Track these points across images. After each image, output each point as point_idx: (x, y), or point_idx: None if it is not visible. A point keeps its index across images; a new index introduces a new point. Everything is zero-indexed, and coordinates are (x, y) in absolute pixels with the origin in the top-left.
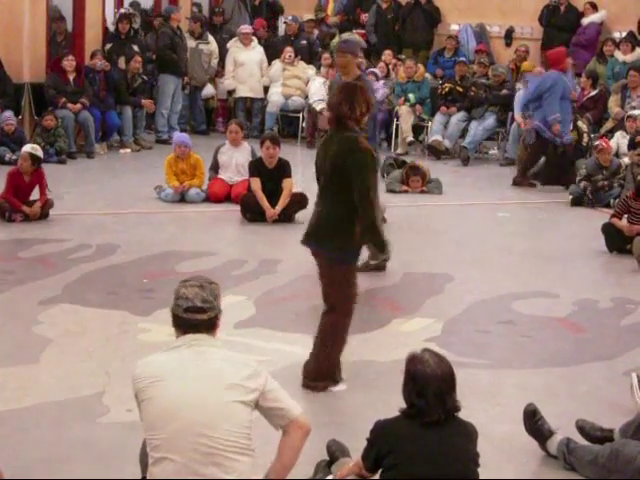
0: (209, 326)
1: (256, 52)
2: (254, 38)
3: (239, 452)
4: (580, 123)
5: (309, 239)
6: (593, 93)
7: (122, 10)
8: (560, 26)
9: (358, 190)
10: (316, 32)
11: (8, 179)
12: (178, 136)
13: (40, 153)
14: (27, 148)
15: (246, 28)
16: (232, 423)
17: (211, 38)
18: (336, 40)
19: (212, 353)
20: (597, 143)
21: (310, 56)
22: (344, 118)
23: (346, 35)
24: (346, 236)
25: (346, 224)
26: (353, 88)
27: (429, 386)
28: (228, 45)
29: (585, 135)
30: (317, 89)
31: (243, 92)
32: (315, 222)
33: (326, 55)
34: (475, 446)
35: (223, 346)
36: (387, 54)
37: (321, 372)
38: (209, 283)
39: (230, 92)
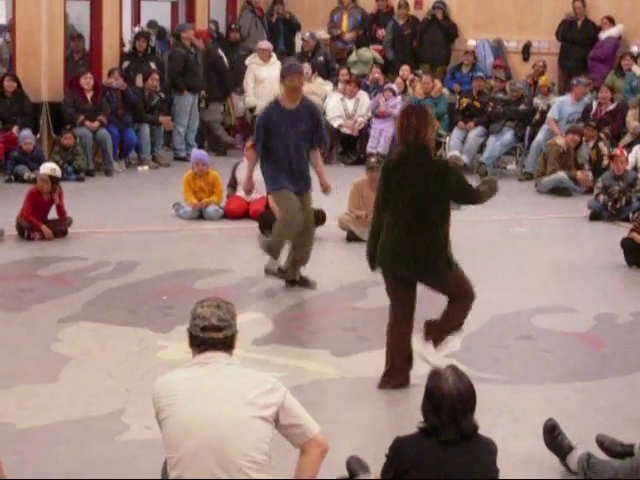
0: (226, 345)
1: (275, 68)
2: (273, 54)
3: (258, 469)
4: (601, 144)
5: (414, 268)
6: (611, 107)
7: (137, 29)
8: (577, 41)
9: (472, 200)
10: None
11: (28, 198)
12: (196, 153)
13: (59, 173)
14: (46, 170)
15: (265, 44)
16: (250, 440)
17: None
18: (353, 56)
19: (229, 371)
20: (613, 153)
21: (327, 72)
22: (422, 140)
23: (291, 59)
24: (446, 253)
25: (446, 243)
26: (425, 112)
27: (443, 405)
28: (247, 61)
29: (605, 158)
30: (334, 105)
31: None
32: (418, 249)
33: (344, 71)
34: (495, 462)
35: (240, 364)
36: (404, 69)
37: (442, 336)
38: (225, 303)
39: (251, 109)
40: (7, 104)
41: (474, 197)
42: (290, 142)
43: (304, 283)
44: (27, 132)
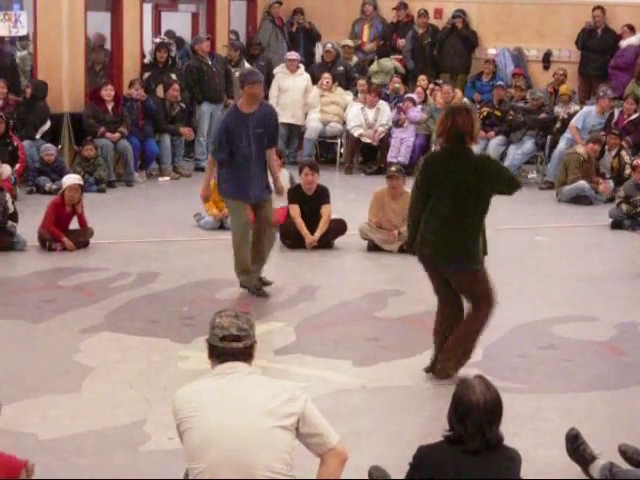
0: (245, 355)
1: (302, 79)
2: (301, 65)
3: (279, 479)
4: (623, 152)
5: (447, 256)
6: (634, 116)
7: (157, 39)
8: (597, 49)
9: (514, 186)
10: (355, 59)
11: (51, 209)
12: None
13: (82, 182)
14: (75, 180)
15: (292, 55)
16: (271, 449)
17: (247, 65)
18: (374, 66)
19: (249, 380)
20: (635, 163)
21: (347, 82)
22: (468, 137)
23: (249, 67)
24: (479, 249)
25: (479, 238)
26: (469, 111)
27: (470, 414)
28: (275, 71)
29: (627, 167)
30: (355, 115)
31: (284, 118)
32: (454, 238)
33: (362, 82)
34: (519, 472)
35: (260, 373)
36: (421, 79)
37: (461, 361)
38: (244, 313)
39: None
40: None
41: (515, 184)
42: (249, 146)
43: (261, 283)
44: (49, 144)
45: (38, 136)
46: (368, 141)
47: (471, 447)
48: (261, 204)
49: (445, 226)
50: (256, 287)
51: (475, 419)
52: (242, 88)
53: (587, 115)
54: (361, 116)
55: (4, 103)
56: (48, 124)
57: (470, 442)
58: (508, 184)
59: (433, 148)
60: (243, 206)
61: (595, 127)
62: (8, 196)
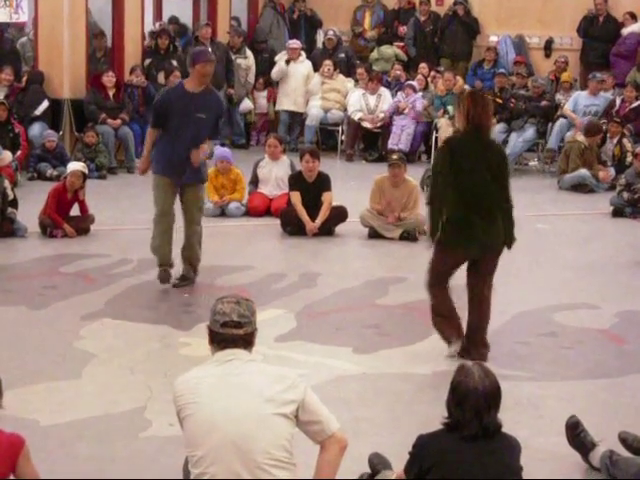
0: (246, 341)
1: (303, 66)
2: (302, 53)
3: (279, 466)
4: (625, 140)
5: (494, 243)
6: (635, 104)
7: (156, 27)
8: (599, 37)
9: (508, 184)
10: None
11: (53, 195)
12: (220, 151)
13: (86, 170)
14: (77, 166)
15: (294, 43)
16: (271, 436)
17: (249, 53)
18: (375, 54)
19: (249, 367)
20: (637, 150)
21: (348, 69)
22: (485, 125)
23: (201, 47)
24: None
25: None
26: (487, 99)
27: (467, 400)
28: (276, 58)
29: (629, 154)
30: (356, 100)
31: (286, 105)
32: (490, 226)
33: (360, 70)
34: (518, 460)
35: (261, 360)
36: (422, 67)
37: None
38: (245, 300)
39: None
40: None
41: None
42: (187, 127)
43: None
44: (50, 130)
45: (38, 113)
46: (368, 126)
47: (468, 433)
48: (186, 188)
49: (480, 214)
50: (165, 271)
51: (472, 404)
52: (192, 66)
53: (577, 97)
54: (362, 101)
55: (9, 90)
56: (46, 102)
57: (467, 428)
58: (508, 184)
59: (434, 135)
60: (167, 188)
61: (588, 108)
62: (7, 183)
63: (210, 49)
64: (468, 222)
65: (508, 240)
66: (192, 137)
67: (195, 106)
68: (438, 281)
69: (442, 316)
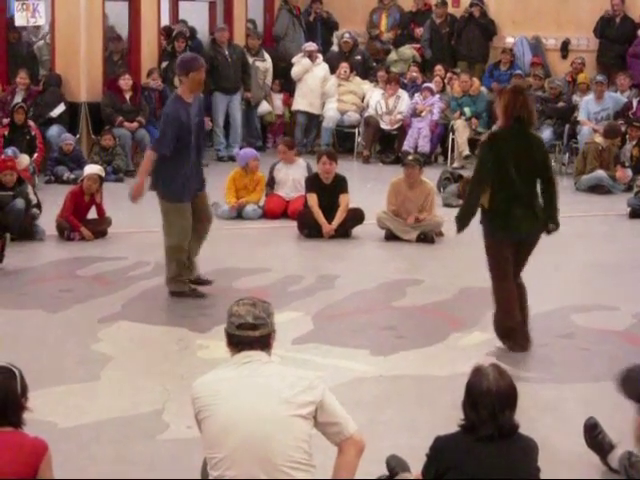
0: (262, 343)
1: (320, 68)
2: (319, 55)
3: (298, 468)
4: None
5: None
6: None
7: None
8: (616, 38)
9: (552, 176)
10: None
11: (70, 198)
12: (247, 151)
13: (103, 174)
14: (95, 170)
15: (311, 46)
16: (290, 438)
17: (267, 55)
18: (393, 55)
19: (267, 369)
20: None
21: (365, 71)
22: (527, 118)
23: (190, 53)
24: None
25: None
26: (528, 93)
27: (482, 401)
28: (293, 60)
29: None
30: (376, 100)
31: (302, 106)
32: (533, 213)
33: (381, 73)
34: (535, 461)
35: (278, 362)
36: (438, 69)
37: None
38: (262, 302)
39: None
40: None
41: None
42: (190, 136)
43: (199, 282)
44: (67, 133)
45: (54, 115)
46: (387, 127)
47: (483, 434)
48: (198, 195)
49: (524, 202)
50: (190, 289)
51: (487, 405)
52: (186, 75)
53: (587, 105)
54: (382, 101)
55: (26, 94)
56: (62, 105)
57: (483, 429)
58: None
59: (451, 137)
60: (186, 211)
61: (599, 114)
62: (30, 188)
63: (227, 52)
64: (509, 211)
65: (553, 224)
66: (195, 143)
67: (193, 115)
68: (504, 272)
69: (506, 312)
